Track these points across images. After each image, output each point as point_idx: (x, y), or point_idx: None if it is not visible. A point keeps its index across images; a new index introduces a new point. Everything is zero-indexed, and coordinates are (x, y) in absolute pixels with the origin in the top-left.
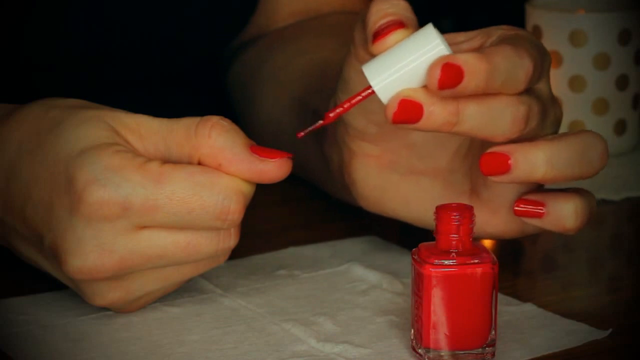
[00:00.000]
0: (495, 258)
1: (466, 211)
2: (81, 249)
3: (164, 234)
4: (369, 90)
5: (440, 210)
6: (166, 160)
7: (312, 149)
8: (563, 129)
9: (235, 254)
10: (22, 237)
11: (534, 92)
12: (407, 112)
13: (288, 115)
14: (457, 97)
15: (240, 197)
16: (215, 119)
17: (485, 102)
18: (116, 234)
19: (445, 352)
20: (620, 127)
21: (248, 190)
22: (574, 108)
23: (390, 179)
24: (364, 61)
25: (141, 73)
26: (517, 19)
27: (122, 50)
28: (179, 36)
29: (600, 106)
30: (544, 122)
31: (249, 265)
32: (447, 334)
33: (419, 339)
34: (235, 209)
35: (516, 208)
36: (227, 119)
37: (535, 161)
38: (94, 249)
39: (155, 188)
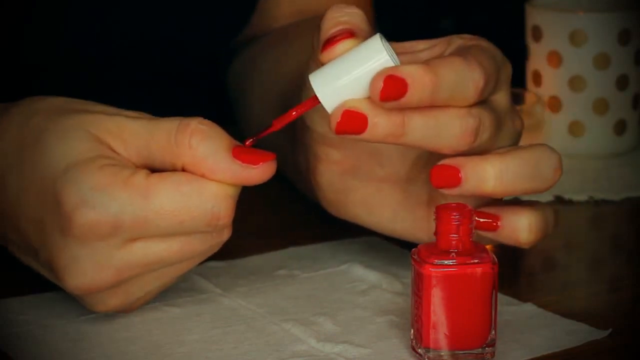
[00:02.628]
0: (495, 258)
1: (466, 211)
2: (78, 268)
3: (157, 243)
4: (315, 100)
5: (440, 210)
6: (149, 165)
7: (289, 151)
8: (563, 129)
9: (235, 254)
10: (19, 247)
11: (489, 103)
12: (351, 122)
13: (274, 115)
14: (402, 109)
15: (229, 201)
16: (194, 124)
17: (432, 114)
18: (111, 249)
19: (445, 352)
20: (620, 127)
21: (235, 191)
22: (574, 108)
23: (352, 185)
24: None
25: (141, 73)
26: (517, 19)
27: (123, 50)
28: (179, 36)
29: (600, 106)
30: (498, 135)
31: (249, 265)
32: (447, 333)
33: (418, 339)
34: (225, 214)
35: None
36: (207, 121)
37: (485, 175)
38: (90, 266)
39: (144, 203)
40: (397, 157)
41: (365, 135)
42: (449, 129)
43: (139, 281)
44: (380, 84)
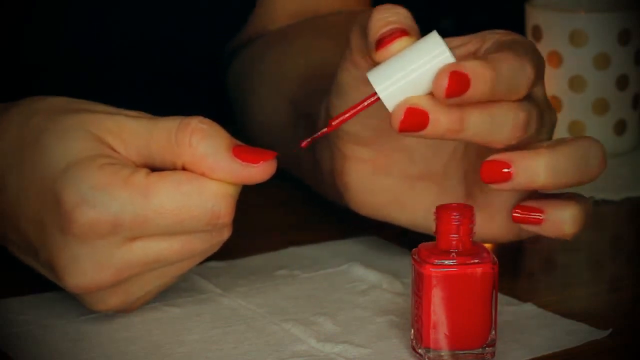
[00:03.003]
0: (495, 258)
1: (466, 211)
2: (78, 267)
3: (158, 242)
4: (374, 98)
5: (440, 210)
6: (150, 165)
7: (305, 151)
8: (563, 129)
9: (236, 254)
10: (19, 246)
11: (532, 97)
12: (413, 120)
13: (280, 116)
14: (461, 105)
15: (229, 200)
16: (194, 123)
17: (488, 109)
18: (111, 248)
19: (445, 352)
20: (620, 127)
21: (235, 190)
22: (574, 108)
23: (383, 183)
24: (361, 67)
25: (141, 73)
26: (517, 19)
27: (123, 50)
28: (179, 36)
29: (600, 106)
30: (542, 127)
31: (249, 265)
32: (447, 334)
33: (419, 339)
34: (225, 213)
35: (514, 215)
36: (207, 120)
37: (536, 169)
38: (90, 266)
39: (144, 202)
40: (431, 154)
41: (426, 132)
42: (503, 123)
43: (139, 280)
44: (446, 80)
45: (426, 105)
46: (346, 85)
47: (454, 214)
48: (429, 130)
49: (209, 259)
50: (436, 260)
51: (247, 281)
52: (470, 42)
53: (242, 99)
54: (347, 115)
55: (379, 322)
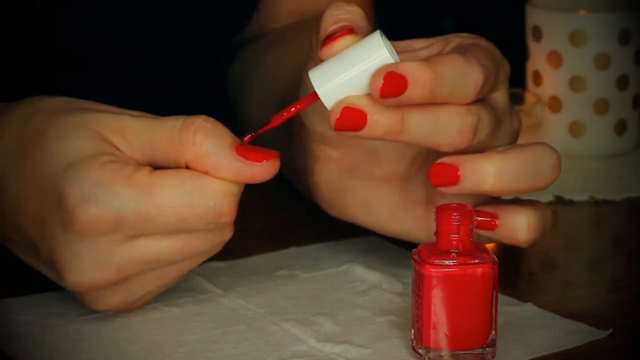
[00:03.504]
0: (495, 258)
1: (466, 211)
2: (79, 264)
3: (160, 240)
4: (315, 96)
5: (440, 210)
6: (153, 164)
7: (287, 151)
8: (563, 129)
9: (236, 254)
10: (19, 245)
11: (488, 102)
12: (350, 119)
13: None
14: (402, 106)
15: (232, 199)
16: (198, 122)
17: (432, 111)
18: (112, 246)
19: (445, 352)
20: (620, 127)
21: (238, 189)
22: (574, 108)
23: (349, 184)
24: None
25: (141, 73)
26: (517, 19)
27: (123, 50)
28: (179, 36)
29: (600, 106)
30: (497, 133)
31: (249, 265)
32: (448, 334)
33: (419, 339)
34: (227, 212)
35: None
36: (210, 119)
37: (484, 173)
38: (91, 263)
39: (146, 200)
40: (395, 156)
41: (364, 132)
42: (448, 126)
43: (140, 280)
44: (381, 81)
45: (364, 105)
46: (309, 82)
47: (454, 214)
48: (367, 130)
49: (210, 259)
50: (436, 261)
51: (247, 281)
52: (434, 45)
53: (242, 100)
54: (290, 111)
55: (379, 322)
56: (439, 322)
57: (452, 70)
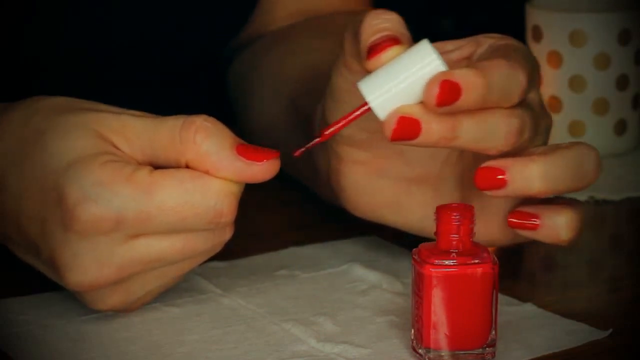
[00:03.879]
0: (495, 258)
1: (467, 211)
2: (79, 264)
3: (160, 240)
4: (366, 107)
5: (440, 210)
6: (153, 163)
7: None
8: (563, 129)
9: (236, 254)
10: (20, 245)
11: (526, 103)
12: (406, 128)
13: (283, 116)
14: (453, 113)
15: (232, 199)
16: (198, 122)
17: (481, 116)
18: (112, 245)
19: (445, 352)
20: (620, 127)
21: (238, 189)
22: (574, 108)
23: (379, 185)
24: (354, 72)
25: (141, 73)
26: (517, 19)
27: (122, 50)
28: (179, 36)
29: (600, 106)
30: (537, 133)
31: (249, 265)
32: (448, 334)
33: (419, 339)
34: (228, 211)
35: (510, 220)
36: (211, 119)
37: (531, 176)
38: (92, 263)
39: (147, 199)
40: (426, 157)
41: (419, 140)
42: (496, 130)
43: (140, 279)
44: (436, 89)
45: (418, 114)
46: (340, 89)
47: (454, 214)
48: (422, 138)
49: (210, 259)
50: (436, 261)
51: (247, 281)
52: (464, 47)
53: (242, 100)
54: (339, 124)
55: (379, 322)
56: (439, 322)
57: (499, 75)
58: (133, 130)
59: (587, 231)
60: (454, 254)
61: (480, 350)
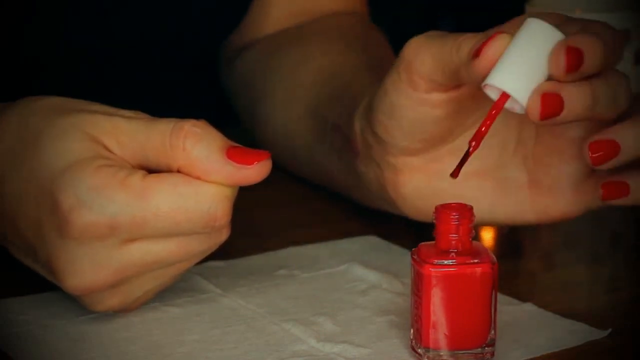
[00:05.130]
0: (494, 258)
1: (466, 211)
2: (76, 268)
3: (155, 244)
4: (504, 99)
5: (439, 210)
6: (145, 167)
7: (336, 162)
8: None
9: (236, 254)
10: (18, 248)
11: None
12: (551, 105)
13: (304, 124)
14: (586, 80)
15: (226, 202)
16: (187, 127)
17: (607, 79)
18: (108, 250)
19: (444, 351)
20: None
21: (232, 192)
22: None
23: (440, 187)
24: (420, 89)
25: (141, 73)
26: None
27: (123, 49)
28: (179, 36)
29: None
30: None
31: (249, 265)
32: (447, 333)
33: (418, 339)
34: (222, 215)
35: (604, 194)
36: (200, 123)
37: None
38: (88, 267)
39: (141, 205)
40: (482, 150)
41: (563, 114)
42: (619, 90)
43: (138, 281)
44: (563, 58)
45: (556, 88)
46: (402, 106)
47: (453, 213)
48: (566, 111)
49: (209, 258)
50: (436, 260)
51: (247, 281)
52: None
53: (251, 104)
54: (483, 129)
55: (379, 322)
56: (439, 322)
57: (608, 35)
58: (125, 133)
59: (587, 231)
60: (453, 254)
61: (480, 349)
